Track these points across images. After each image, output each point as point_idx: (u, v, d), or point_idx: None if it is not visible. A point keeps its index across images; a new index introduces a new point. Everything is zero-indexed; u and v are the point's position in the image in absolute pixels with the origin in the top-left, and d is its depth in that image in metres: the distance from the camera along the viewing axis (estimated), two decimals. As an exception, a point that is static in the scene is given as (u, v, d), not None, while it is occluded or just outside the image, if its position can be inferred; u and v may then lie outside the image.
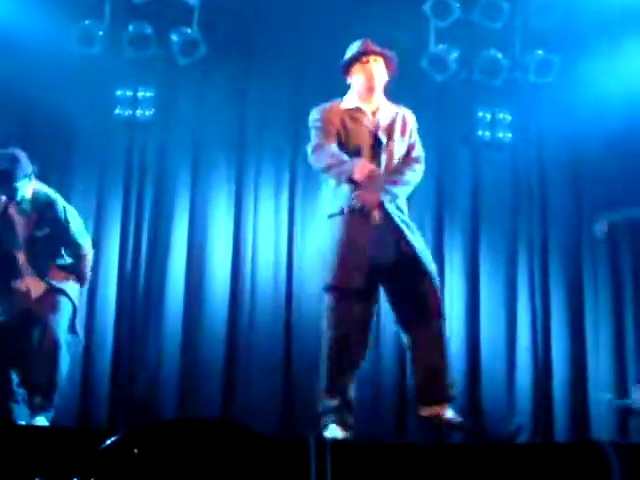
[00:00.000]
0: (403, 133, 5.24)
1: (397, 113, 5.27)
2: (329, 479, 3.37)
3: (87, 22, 7.45)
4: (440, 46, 7.76)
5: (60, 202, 5.71)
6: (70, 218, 5.71)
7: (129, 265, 7.47)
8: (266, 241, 7.62)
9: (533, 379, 7.72)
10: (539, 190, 8.08)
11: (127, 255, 7.48)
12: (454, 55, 7.78)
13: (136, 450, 3.03)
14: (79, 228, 5.80)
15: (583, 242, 7.98)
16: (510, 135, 8.05)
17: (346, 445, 4.06)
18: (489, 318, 7.79)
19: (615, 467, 3.88)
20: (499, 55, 7.84)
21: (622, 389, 7.62)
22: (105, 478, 3.01)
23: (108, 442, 3.10)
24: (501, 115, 8.03)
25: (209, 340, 7.38)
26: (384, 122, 5.20)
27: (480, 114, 8.01)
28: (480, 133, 8.01)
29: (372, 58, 5.20)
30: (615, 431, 7.45)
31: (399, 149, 5.21)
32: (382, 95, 5.29)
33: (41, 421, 5.41)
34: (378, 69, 5.21)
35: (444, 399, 5.04)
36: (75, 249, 5.77)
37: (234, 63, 7.82)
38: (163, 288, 7.47)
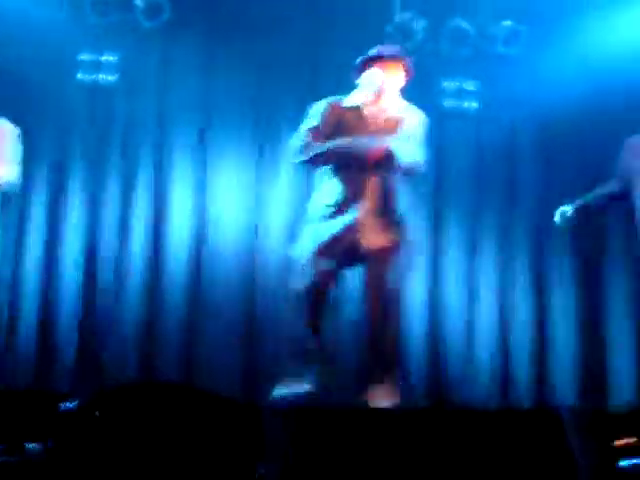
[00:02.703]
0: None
1: (403, 116, 5.22)
2: (285, 442, 3.37)
3: (51, -14, 7.35)
4: (406, 14, 7.71)
5: None
6: None
7: (92, 233, 7.43)
8: (231, 203, 7.61)
9: (494, 349, 7.75)
10: (506, 159, 8.07)
11: (90, 223, 7.43)
12: (421, 24, 7.74)
13: (97, 413, 3.01)
14: None
15: (551, 210, 8.00)
16: (476, 105, 8.03)
17: (302, 409, 4.06)
18: (451, 292, 7.81)
19: (573, 432, 3.91)
20: (466, 25, 7.82)
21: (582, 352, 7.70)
22: (65, 440, 2.99)
23: (69, 404, 3.09)
24: (467, 85, 8.01)
25: (171, 304, 7.40)
26: (386, 124, 5.17)
27: (446, 84, 7.99)
28: (446, 103, 7.99)
29: (390, 63, 5.17)
30: (577, 395, 7.54)
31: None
32: (392, 98, 5.24)
33: None
34: (392, 74, 5.17)
35: None
36: None
37: (199, 26, 7.76)
38: (127, 257, 7.44)
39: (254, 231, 7.57)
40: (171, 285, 7.43)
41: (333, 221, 5.04)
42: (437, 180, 7.87)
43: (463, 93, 7.99)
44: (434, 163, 7.87)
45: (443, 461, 3.73)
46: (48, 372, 7.09)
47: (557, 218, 6.21)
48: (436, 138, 7.93)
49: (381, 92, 5.17)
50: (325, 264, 5.00)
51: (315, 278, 4.96)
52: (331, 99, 5.22)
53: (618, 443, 4.04)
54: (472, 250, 7.92)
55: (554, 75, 7.81)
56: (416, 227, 7.40)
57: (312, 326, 5.03)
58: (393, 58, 5.19)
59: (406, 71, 5.22)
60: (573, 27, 7.74)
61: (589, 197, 6.16)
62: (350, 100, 5.20)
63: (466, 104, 8.00)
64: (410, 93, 7.73)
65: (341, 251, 5.02)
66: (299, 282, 5.02)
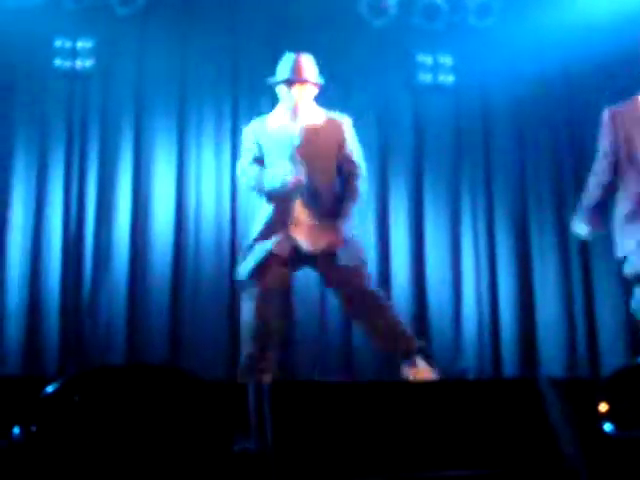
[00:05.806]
0: (331, 145, 5.46)
1: (325, 126, 5.49)
2: (269, 421, 3.42)
3: (25, -26, 7.35)
4: (379, -9, 7.75)
5: None
6: None
7: (74, 219, 7.44)
8: (209, 189, 7.61)
9: (479, 319, 7.81)
10: (482, 132, 8.10)
11: (71, 209, 7.45)
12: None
13: (77, 397, 3.06)
14: None
15: (527, 184, 8.06)
16: (452, 78, 8.06)
17: (286, 385, 4.11)
18: (434, 261, 7.85)
19: (553, 402, 3.96)
20: (438, -2, 7.86)
21: (570, 325, 7.77)
22: (47, 425, 3.03)
23: (50, 388, 3.12)
24: (442, 59, 8.03)
25: (156, 287, 7.41)
26: (307, 138, 5.41)
27: (421, 58, 8.01)
28: (421, 77, 8.02)
29: (300, 84, 5.45)
30: (565, 367, 7.61)
31: (326, 161, 5.44)
32: (309, 110, 5.49)
33: None
34: (304, 94, 5.46)
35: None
36: None
37: (174, 12, 7.76)
38: (109, 241, 7.44)
39: (232, 213, 7.57)
40: (155, 273, 7.45)
41: (267, 241, 5.34)
42: (416, 155, 7.92)
43: (438, 67, 8.03)
44: (412, 138, 7.97)
45: (427, 432, 3.77)
46: (36, 357, 7.14)
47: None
48: (413, 113, 8.03)
49: (296, 109, 5.46)
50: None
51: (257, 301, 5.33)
52: (255, 122, 5.60)
53: (601, 409, 4.08)
54: (454, 222, 7.98)
55: (528, 46, 7.84)
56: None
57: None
58: (301, 82, 5.44)
59: (316, 85, 5.50)
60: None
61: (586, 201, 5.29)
62: (273, 120, 5.52)
63: (442, 78, 8.03)
64: (386, 69, 7.88)
65: (279, 264, 5.32)
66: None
